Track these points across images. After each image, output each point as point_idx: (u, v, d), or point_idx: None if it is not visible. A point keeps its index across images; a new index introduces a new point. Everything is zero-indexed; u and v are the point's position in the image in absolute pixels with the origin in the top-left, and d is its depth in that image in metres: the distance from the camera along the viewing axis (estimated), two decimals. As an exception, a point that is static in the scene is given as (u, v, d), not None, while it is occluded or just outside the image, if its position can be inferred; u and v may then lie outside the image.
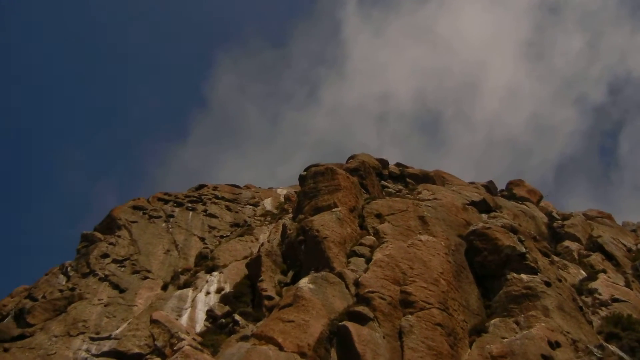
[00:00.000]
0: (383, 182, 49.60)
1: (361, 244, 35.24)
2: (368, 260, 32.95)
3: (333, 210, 38.14)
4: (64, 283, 45.73)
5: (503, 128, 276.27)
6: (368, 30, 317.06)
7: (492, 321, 29.93)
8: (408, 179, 51.50)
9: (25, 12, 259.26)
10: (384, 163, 52.66)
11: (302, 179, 46.94)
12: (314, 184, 42.82)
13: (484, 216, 42.89)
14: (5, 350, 36.92)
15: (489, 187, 55.48)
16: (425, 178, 51.55)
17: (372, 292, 29.37)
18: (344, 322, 27.18)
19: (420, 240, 34.80)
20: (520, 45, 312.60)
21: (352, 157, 50.35)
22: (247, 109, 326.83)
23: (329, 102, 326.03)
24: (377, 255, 33.07)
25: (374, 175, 47.88)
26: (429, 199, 41.83)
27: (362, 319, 27.52)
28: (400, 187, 49.65)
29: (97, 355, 36.61)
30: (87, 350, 37.04)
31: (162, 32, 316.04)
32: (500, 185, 59.58)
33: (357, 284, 30.66)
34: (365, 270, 31.74)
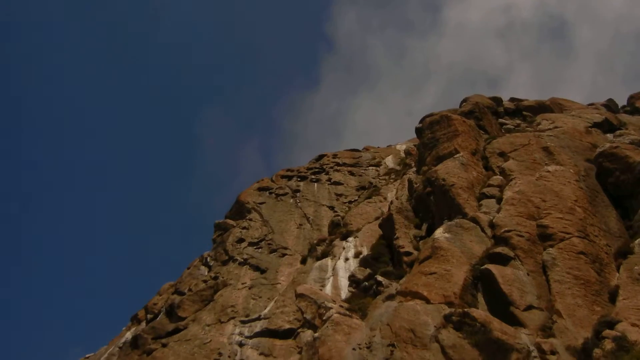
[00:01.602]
0: (500, 120, 48.56)
1: (489, 185, 34.86)
2: (499, 200, 32.60)
3: (455, 156, 37.81)
4: (206, 273, 47.35)
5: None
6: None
7: (637, 241, 28.76)
8: (524, 112, 50.23)
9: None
10: (497, 101, 51.60)
11: (418, 130, 46.74)
12: (432, 134, 42.62)
13: (609, 136, 41.39)
14: (164, 345, 38.47)
15: (610, 105, 53.42)
16: (542, 108, 50.18)
17: (509, 231, 29.11)
18: (485, 266, 27.14)
19: (548, 172, 34.08)
20: None
21: (464, 101, 49.59)
22: (372, 44, 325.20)
23: (453, 24, 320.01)
24: (507, 193, 32.69)
25: (489, 115, 47.07)
26: (549, 129, 40.75)
27: (503, 260, 27.40)
28: (518, 121, 48.51)
29: (250, 337, 37.76)
30: (240, 334, 38.22)
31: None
32: (620, 102, 57.24)
33: (492, 225, 30.40)
34: (498, 211, 31.44)
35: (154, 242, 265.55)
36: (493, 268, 26.68)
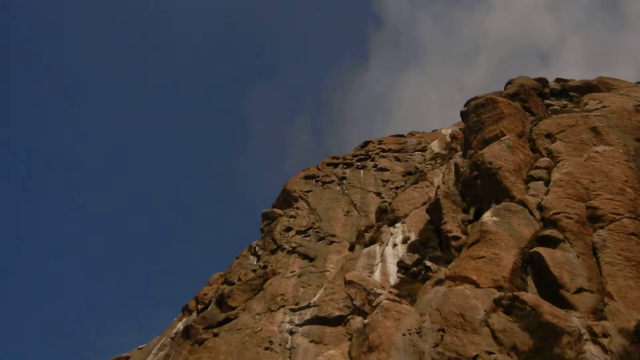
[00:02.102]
0: (546, 101, 47.92)
1: (537, 167, 34.46)
2: (547, 182, 32.24)
3: (501, 139, 37.48)
4: (255, 263, 47.84)
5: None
6: None
7: (689, 221, 28.48)
8: (571, 93, 49.47)
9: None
10: (543, 82, 50.93)
11: (464, 114, 46.43)
12: (477, 117, 42.32)
13: (660, 114, 40.69)
14: (215, 335, 38.96)
15: (658, 81, 52.46)
16: (588, 88, 49.34)
17: (558, 213, 28.79)
18: (535, 249, 26.88)
19: (597, 152, 33.60)
20: None
21: (509, 83, 49.10)
22: (420, 19, 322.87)
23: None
24: (555, 175, 32.33)
25: (535, 96, 46.48)
26: (597, 108, 40.10)
27: (552, 242, 27.11)
28: (564, 102, 47.83)
29: (300, 325, 38.06)
30: (291, 322, 38.54)
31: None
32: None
33: (540, 208, 30.07)
34: (546, 193, 31.11)
35: (203, 231, 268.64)
36: (542, 251, 26.45)
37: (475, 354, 22.08)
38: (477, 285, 26.04)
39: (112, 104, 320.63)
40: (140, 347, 49.14)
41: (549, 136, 37.44)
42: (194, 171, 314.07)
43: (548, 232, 27.72)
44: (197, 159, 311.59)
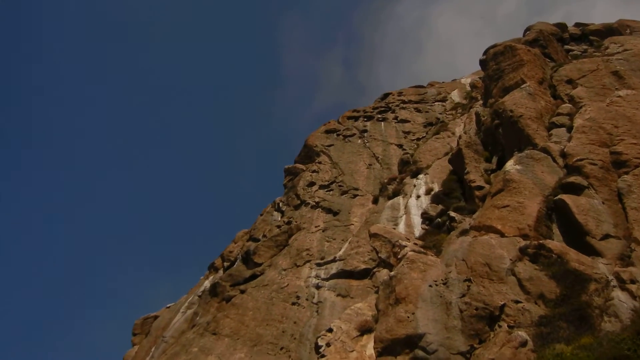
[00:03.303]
0: (566, 47, 47.21)
1: (559, 114, 34.16)
2: (569, 129, 31.95)
3: (522, 86, 37.12)
4: (279, 219, 48.04)
5: None
6: None
7: None
8: (591, 37, 48.65)
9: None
10: (562, 27, 50.10)
11: (483, 63, 45.99)
12: (496, 65, 41.89)
13: (683, 54, 40.02)
14: (242, 292, 39.28)
15: (684, 22, 51.43)
16: (609, 31, 48.47)
17: (581, 159, 28.60)
18: (559, 196, 26.77)
19: (619, 96, 33.20)
20: None
21: (528, 29, 48.47)
22: None
23: None
24: (578, 121, 32.03)
25: (555, 42, 45.80)
26: (618, 52, 39.45)
27: (577, 189, 26.97)
28: (584, 47, 47.04)
29: (327, 279, 38.31)
30: (317, 276, 38.80)
31: None
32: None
33: (563, 155, 29.88)
34: (569, 139, 30.84)
35: (229, 184, 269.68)
36: (567, 198, 26.35)
37: (502, 303, 22.23)
38: (502, 235, 26.08)
39: (146, 42, 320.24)
40: (168, 306, 49.77)
41: (570, 82, 37.04)
42: (219, 113, 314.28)
43: (572, 179, 27.58)
44: (224, 100, 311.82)
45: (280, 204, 50.44)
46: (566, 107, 34.50)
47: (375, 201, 45.43)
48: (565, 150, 29.94)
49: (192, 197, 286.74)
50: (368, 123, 59.60)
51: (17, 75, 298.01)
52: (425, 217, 36.70)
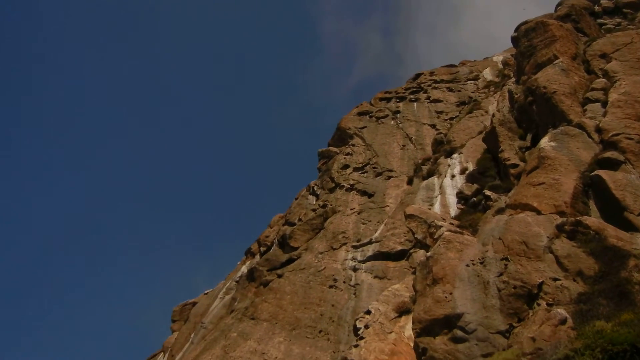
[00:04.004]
0: (599, 20, 46.58)
1: (593, 89, 33.77)
2: (604, 104, 31.60)
3: (554, 62, 36.73)
4: (314, 202, 48.23)
5: None
6: None
7: None
8: (624, 10, 47.91)
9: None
10: (594, 1, 49.47)
11: (514, 40, 45.55)
12: (528, 42, 41.48)
13: None
14: (279, 276, 39.55)
15: None
16: (643, 3, 47.87)
17: (617, 134, 28.27)
18: (595, 172, 26.49)
19: (655, 69, 32.90)
20: None
21: (559, 4, 47.88)
22: None
23: None
24: (613, 96, 31.64)
25: (587, 16, 45.17)
26: (653, 24, 39.06)
27: (613, 164, 26.65)
28: (618, 20, 46.31)
29: (363, 261, 38.46)
30: (354, 259, 38.97)
31: None
32: None
33: (599, 130, 29.55)
34: (604, 114, 30.50)
35: (264, 167, 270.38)
36: (603, 174, 26.09)
37: (540, 281, 22.13)
38: (539, 212, 25.94)
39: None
40: (206, 292, 50.30)
41: (604, 56, 36.56)
42: (252, 84, 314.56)
43: (608, 154, 27.29)
44: (258, 70, 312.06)
45: (315, 188, 50.62)
46: (600, 81, 34.09)
47: (409, 182, 45.41)
48: (600, 125, 29.64)
49: (227, 182, 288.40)
50: (400, 104, 59.52)
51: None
52: (461, 196, 36.60)
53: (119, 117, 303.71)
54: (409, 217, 32.50)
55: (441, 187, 40.24)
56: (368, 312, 30.63)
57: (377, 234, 40.01)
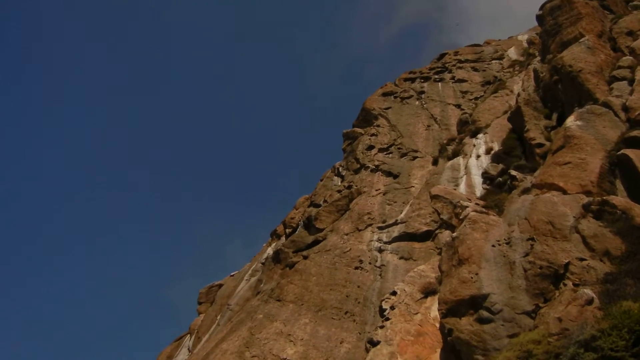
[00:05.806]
0: (625, -3, 46.18)
1: (619, 67, 33.40)
2: (631, 82, 31.27)
3: (580, 40, 36.40)
4: (339, 183, 48.26)
5: None
6: None
7: None
8: (652, -15, 47.47)
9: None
10: (621, -23, 48.88)
11: (539, 18, 45.13)
12: (554, 20, 41.13)
13: None
14: (305, 257, 39.58)
15: None
16: (671, -22, 47.20)
17: (645, 112, 28.12)
18: (622, 151, 26.22)
19: (683, 45, 32.47)
20: None
21: (585, -19, 47.37)
22: None
23: None
24: (639, 74, 31.44)
25: (613, -7, 44.77)
26: (681, -1, 38.55)
27: (640, 143, 26.62)
28: (646, -5, 45.91)
29: (389, 242, 38.46)
30: (379, 240, 38.97)
31: None
32: None
33: (625, 108, 29.26)
34: (631, 93, 30.20)
35: (290, 148, 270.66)
36: (630, 152, 25.83)
37: (566, 261, 22.06)
38: (565, 192, 25.81)
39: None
40: (232, 274, 50.64)
41: (631, 34, 36.16)
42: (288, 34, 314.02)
43: (635, 133, 27.01)
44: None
45: (340, 169, 50.67)
46: (627, 59, 33.73)
47: (435, 162, 45.32)
48: (627, 103, 29.36)
49: (250, 162, 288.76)
50: (425, 84, 59.32)
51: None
52: (486, 176, 36.51)
53: (155, 92, 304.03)
54: (434, 197, 32.47)
55: (466, 167, 40.09)
56: (394, 293, 30.72)
57: (402, 215, 39.97)
